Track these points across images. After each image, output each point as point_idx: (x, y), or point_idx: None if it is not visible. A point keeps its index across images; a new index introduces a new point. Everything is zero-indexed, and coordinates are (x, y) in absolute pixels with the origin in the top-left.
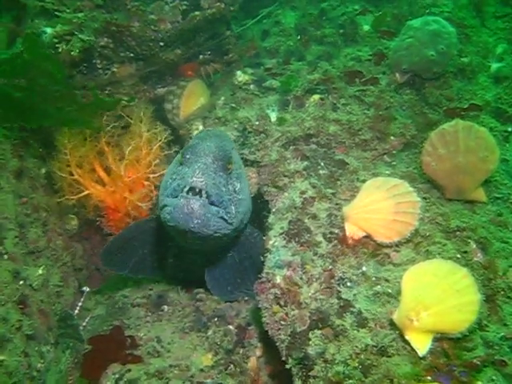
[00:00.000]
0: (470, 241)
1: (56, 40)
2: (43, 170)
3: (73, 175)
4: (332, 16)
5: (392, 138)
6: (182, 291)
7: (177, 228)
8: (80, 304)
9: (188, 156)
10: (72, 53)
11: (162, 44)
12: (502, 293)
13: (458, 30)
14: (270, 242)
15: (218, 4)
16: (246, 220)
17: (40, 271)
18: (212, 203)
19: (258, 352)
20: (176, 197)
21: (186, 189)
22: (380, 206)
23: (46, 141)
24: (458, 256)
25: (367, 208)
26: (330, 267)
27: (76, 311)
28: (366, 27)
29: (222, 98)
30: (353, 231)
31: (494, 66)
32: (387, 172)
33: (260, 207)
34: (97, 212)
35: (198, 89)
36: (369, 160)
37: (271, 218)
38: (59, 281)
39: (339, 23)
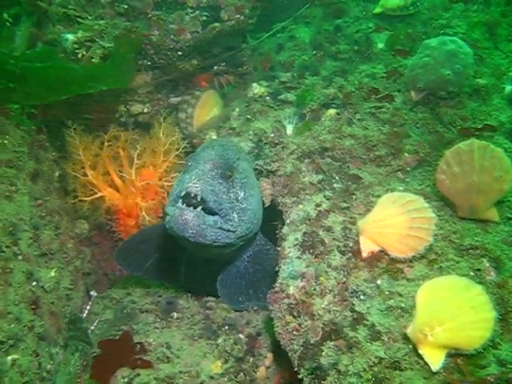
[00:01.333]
0: (483, 259)
1: (76, 46)
2: (57, 173)
3: (86, 176)
4: (347, 33)
5: (406, 154)
6: (191, 298)
7: (177, 236)
8: (88, 308)
9: (189, 163)
10: (93, 59)
11: (179, 53)
12: None
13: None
14: (284, 253)
15: (238, 16)
16: (256, 230)
17: (52, 273)
18: (210, 210)
19: (267, 362)
20: (173, 207)
21: (182, 194)
22: (395, 220)
23: (60, 144)
24: (472, 274)
25: (382, 223)
26: (344, 280)
27: (84, 315)
28: (381, 45)
29: (237, 110)
30: (367, 245)
31: (508, 87)
32: (401, 188)
33: (273, 218)
34: (108, 216)
35: (212, 99)
36: (383, 176)
37: (285, 229)
38: (69, 284)
39: (354, 40)
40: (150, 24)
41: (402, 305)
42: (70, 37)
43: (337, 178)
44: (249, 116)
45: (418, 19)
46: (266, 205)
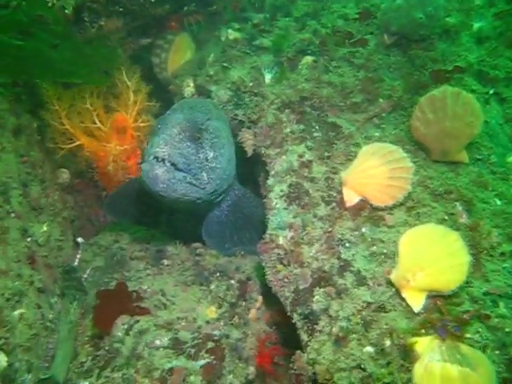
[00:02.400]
0: (456, 203)
1: None
2: (35, 125)
3: (64, 125)
4: None
5: (381, 100)
6: (179, 245)
7: (150, 190)
8: (78, 256)
9: (159, 126)
10: (66, 11)
11: (152, 0)
12: (485, 252)
13: None
14: (271, 204)
15: None
16: (227, 184)
17: (45, 228)
18: (179, 170)
19: (258, 304)
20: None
21: (150, 158)
22: (375, 171)
23: (35, 93)
24: (446, 218)
25: (364, 174)
26: (330, 229)
27: (75, 263)
28: None
29: (212, 55)
30: (350, 195)
31: (476, 25)
32: (377, 134)
33: (256, 168)
34: (88, 164)
35: (185, 43)
36: (360, 123)
37: (271, 181)
38: (60, 235)
39: None
40: None
41: (384, 251)
42: None
43: (316, 126)
44: (225, 64)
45: None
46: (249, 155)
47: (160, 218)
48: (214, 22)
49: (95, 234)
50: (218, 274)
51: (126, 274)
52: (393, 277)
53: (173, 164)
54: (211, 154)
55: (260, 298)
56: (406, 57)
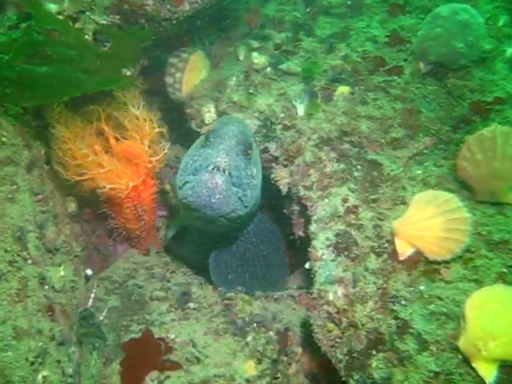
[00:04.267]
0: None
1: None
2: (42, 151)
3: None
4: None
5: (421, 135)
6: (205, 285)
7: (197, 204)
8: (92, 296)
9: (212, 139)
10: (86, 36)
11: (174, 23)
12: None
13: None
14: (317, 254)
15: None
16: (256, 207)
17: (62, 272)
18: (232, 184)
19: (297, 357)
20: (197, 175)
21: (210, 167)
22: (431, 222)
23: (41, 118)
24: (505, 271)
25: (418, 225)
26: (384, 285)
27: (90, 303)
28: None
29: (234, 79)
30: (403, 247)
31: (510, 50)
32: (419, 172)
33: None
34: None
35: (200, 61)
36: (402, 161)
37: (314, 227)
38: (73, 274)
39: None
40: None
41: (444, 309)
42: (53, 7)
43: (358, 166)
44: (251, 90)
45: None
46: (283, 193)
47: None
48: (227, 37)
49: (104, 266)
50: (254, 325)
51: (147, 317)
52: (461, 344)
53: (230, 175)
54: (254, 171)
55: (300, 350)
56: (443, 86)
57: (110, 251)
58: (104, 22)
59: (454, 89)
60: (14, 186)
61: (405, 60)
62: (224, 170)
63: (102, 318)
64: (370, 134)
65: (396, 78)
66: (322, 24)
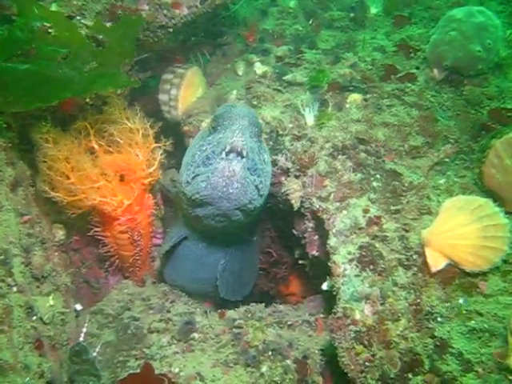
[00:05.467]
0: None
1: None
2: (28, 173)
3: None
4: None
5: (440, 143)
6: (210, 314)
7: (212, 196)
8: (84, 330)
9: (220, 123)
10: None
11: (170, 31)
12: None
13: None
14: (339, 270)
15: None
16: (265, 201)
17: (51, 302)
18: (248, 170)
19: None
20: (211, 164)
21: (226, 150)
22: (466, 230)
23: (27, 136)
24: None
25: (451, 233)
26: (418, 300)
27: (81, 338)
28: (374, 10)
29: (235, 92)
30: (435, 258)
31: None
32: (442, 182)
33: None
34: (86, 218)
35: (197, 77)
36: (422, 170)
37: (333, 241)
38: (62, 306)
39: (349, 5)
40: None
41: (485, 326)
42: None
43: (377, 175)
44: (254, 102)
45: None
46: (295, 208)
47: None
48: (223, 54)
49: (95, 301)
50: (269, 353)
51: (147, 351)
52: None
53: (247, 158)
54: (266, 157)
55: (321, 379)
56: (459, 94)
57: (102, 284)
58: (97, 25)
59: (472, 96)
60: None
61: (417, 68)
62: (241, 153)
63: (95, 354)
64: (387, 141)
65: (410, 84)
66: (324, 37)
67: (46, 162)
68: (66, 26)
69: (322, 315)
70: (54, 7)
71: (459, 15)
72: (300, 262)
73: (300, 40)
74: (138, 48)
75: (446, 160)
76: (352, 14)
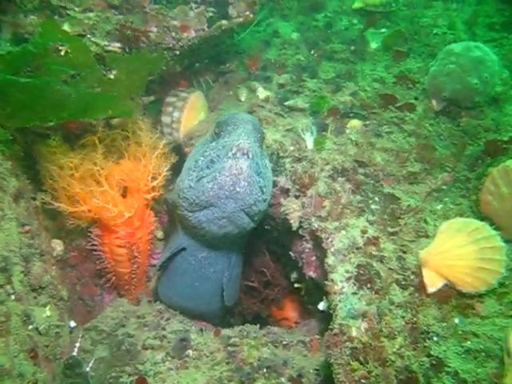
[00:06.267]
0: None
1: None
2: (29, 187)
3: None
4: (337, 29)
5: (438, 171)
6: (205, 332)
7: (218, 196)
8: (77, 345)
9: (225, 127)
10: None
11: (177, 53)
12: None
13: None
14: (336, 288)
15: (248, 13)
16: (267, 208)
17: (48, 312)
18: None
19: None
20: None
21: (232, 151)
22: (463, 251)
23: (30, 150)
24: None
25: (449, 254)
26: (414, 319)
27: (74, 353)
28: (374, 45)
29: None
30: (432, 279)
31: None
32: (439, 208)
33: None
34: (84, 233)
35: (200, 102)
36: (419, 195)
37: (331, 260)
38: (58, 319)
39: (349, 38)
40: (147, 19)
41: (481, 347)
42: None
43: (375, 198)
44: None
45: (400, 17)
46: (294, 228)
47: None
48: (225, 81)
49: (89, 318)
50: (264, 370)
51: (140, 367)
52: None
53: (253, 159)
54: (266, 162)
55: None
56: (456, 125)
57: (96, 302)
58: (106, 43)
59: (469, 127)
60: (0, 213)
61: (416, 98)
62: (247, 154)
63: (88, 369)
64: (385, 166)
65: (408, 113)
66: (325, 67)
67: (52, 169)
68: (83, 50)
69: (317, 336)
70: (66, 26)
71: (457, 49)
72: (296, 285)
73: (302, 69)
74: None
75: (444, 187)
76: (353, 47)
